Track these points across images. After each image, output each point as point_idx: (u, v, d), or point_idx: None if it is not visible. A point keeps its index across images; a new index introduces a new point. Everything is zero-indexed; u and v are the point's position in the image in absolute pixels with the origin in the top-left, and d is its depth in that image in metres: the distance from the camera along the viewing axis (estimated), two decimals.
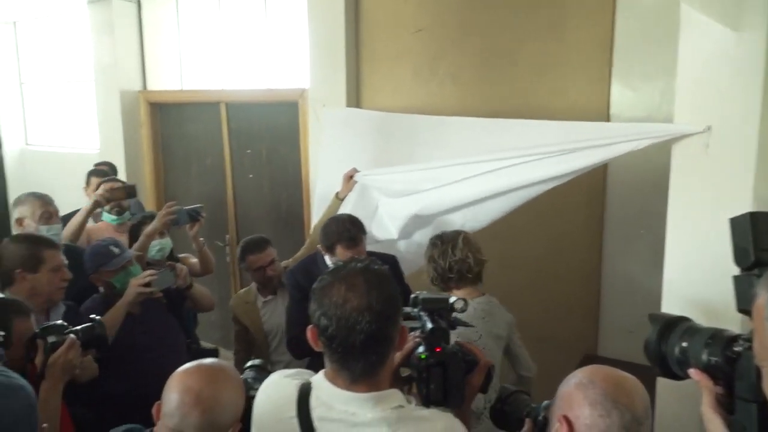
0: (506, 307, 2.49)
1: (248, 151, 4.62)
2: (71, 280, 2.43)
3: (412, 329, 1.48)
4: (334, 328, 1.23)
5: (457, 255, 2.41)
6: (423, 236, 2.91)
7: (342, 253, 2.53)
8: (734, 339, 1.19)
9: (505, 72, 3.33)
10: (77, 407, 2.13)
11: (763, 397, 1.08)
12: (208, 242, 3.61)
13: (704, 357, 1.22)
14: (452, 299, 1.54)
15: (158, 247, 3.08)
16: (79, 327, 2.03)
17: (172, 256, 3.25)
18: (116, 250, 2.64)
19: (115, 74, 4.94)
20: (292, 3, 4.16)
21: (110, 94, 4.99)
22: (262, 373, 1.74)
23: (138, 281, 2.57)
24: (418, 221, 2.96)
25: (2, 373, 1.31)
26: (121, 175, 4.40)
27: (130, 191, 3.47)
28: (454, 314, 1.54)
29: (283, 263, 3.24)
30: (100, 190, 3.34)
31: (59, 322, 2.03)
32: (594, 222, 3.23)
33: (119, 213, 3.50)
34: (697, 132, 2.09)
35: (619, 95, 3.08)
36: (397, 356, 1.42)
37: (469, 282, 2.43)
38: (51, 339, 1.91)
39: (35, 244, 2.41)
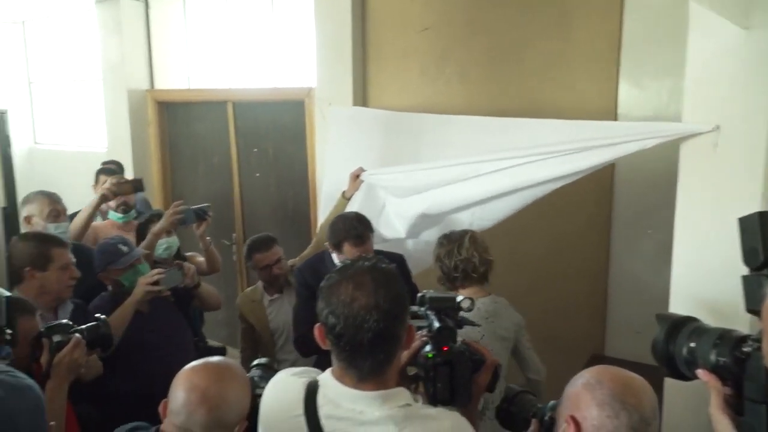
0: (515, 308, 2.47)
1: (255, 149, 4.63)
2: (79, 278, 2.45)
3: (419, 328, 1.48)
4: (342, 326, 1.23)
5: (462, 254, 2.41)
6: (431, 235, 2.91)
7: (349, 250, 2.52)
8: (743, 339, 1.19)
9: (512, 71, 3.32)
10: (82, 406, 2.13)
11: None
12: (215, 241, 3.63)
13: (712, 357, 1.21)
14: (459, 298, 1.54)
15: (165, 245, 3.08)
16: (84, 326, 2.02)
17: (179, 255, 3.25)
18: (125, 249, 2.65)
19: (123, 73, 4.96)
20: (299, 2, 4.16)
21: (118, 93, 5.01)
22: (269, 371, 1.74)
23: (146, 280, 2.57)
24: (425, 220, 2.95)
25: (9, 373, 1.30)
26: (129, 174, 4.41)
27: (137, 185, 3.48)
28: (461, 313, 1.54)
29: (290, 262, 3.24)
30: (107, 184, 3.35)
31: (64, 321, 2.03)
32: (601, 221, 3.22)
33: (125, 211, 3.51)
34: (706, 131, 2.08)
35: (627, 94, 3.06)
36: (404, 355, 1.42)
37: (475, 281, 2.43)
38: (56, 338, 1.90)
39: (44, 242, 2.42)
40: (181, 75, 4.99)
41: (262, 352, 3.14)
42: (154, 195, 4.96)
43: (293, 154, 4.37)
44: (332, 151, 3.65)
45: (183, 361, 1.43)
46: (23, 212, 2.95)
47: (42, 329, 1.92)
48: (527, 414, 1.46)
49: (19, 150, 6.32)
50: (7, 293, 1.81)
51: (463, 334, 1.53)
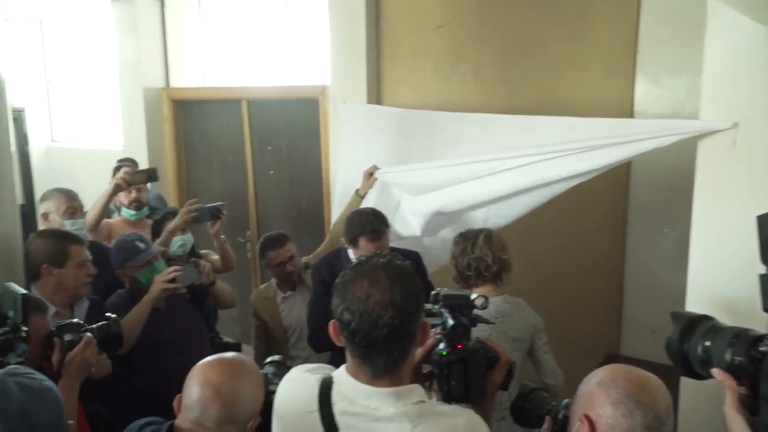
0: (533, 309, 2.44)
1: (269, 147, 4.65)
2: (95, 275, 2.47)
3: (434, 326, 1.48)
4: (357, 322, 1.23)
5: (475, 253, 2.40)
6: (448, 232, 2.91)
7: (365, 245, 2.53)
8: (759, 339, 1.18)
9: (527, 68, 3.31)
10: (91, 404, 2.12)
11: None
12: (229, 238, 3.64)
13: (728, 356, 1.20)
14: (473, 296, 1.54)
15: (180, 242, 3.11)
16: (95, 325, 2.02)
17: (193, 253, 3.28)
18: (142, 246, 2.67)
19: (139, 71, 4.99)
20: (314, 0, 4.17)
21: (134, 91, 5.05)
22: (282, 368, 1.75)
23: (163, 277, 2.59)
24: (440, 218, 2.95)
25: (29, 375, 1.28)
26: None
27: (151, 174, 3.44)
28: (475, 311, 1.54)
29: (303, 259, 3.25)
30: (121, 173, 3.26)
31: (75, 320, 2.03)
32: (617, 219, 3.20)
33: (138, 208, 3.50)
34: (724, 128, 2.05)
35: (644, 91, 3.04)
36: (418, 352, 1.42)
37: (488, 280, 2.41)
38: (67, 337, 1.89)
39: (61, 239, 2.44)
40: (196, 73, 5.01)
41: (276, 349, 3.15)
42: (168, 192, 4.99)
43: (307, 152, 4.38)
44: (346, 149, 3.66)
45: (199, 357, 1.43)
46: (40, 209, 2.98)
47: (53, 328, 1.92)
48: (541, 411, 1.46)
49: (36, 148, 6.40)
50: (23, 291, 1.82)
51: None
